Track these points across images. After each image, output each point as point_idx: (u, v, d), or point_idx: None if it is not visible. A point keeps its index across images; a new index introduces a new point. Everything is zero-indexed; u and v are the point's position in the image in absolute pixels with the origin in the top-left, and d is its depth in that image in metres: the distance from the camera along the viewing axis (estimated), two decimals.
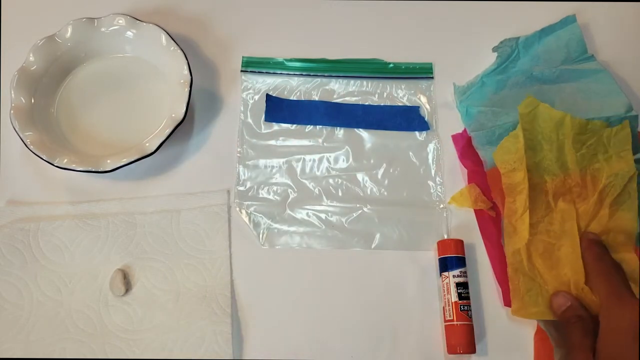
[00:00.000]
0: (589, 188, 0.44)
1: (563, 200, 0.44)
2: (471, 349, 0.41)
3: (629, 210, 0.43)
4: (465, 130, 0.49)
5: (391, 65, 0.51)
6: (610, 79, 0.48)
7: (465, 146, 0.48)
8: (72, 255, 0.45)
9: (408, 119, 0.49)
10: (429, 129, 0.49)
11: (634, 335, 0.36)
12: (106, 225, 0.46)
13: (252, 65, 0.51)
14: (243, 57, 0.52)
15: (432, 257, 0.45)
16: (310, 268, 0.45)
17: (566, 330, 0.40)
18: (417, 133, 0.49)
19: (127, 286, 0.44)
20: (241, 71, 0.51)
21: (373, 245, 0.46)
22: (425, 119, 0.50)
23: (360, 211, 0.47)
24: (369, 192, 0.47)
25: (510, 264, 0.43)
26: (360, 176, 0.48)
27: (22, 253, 0.44)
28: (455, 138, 0.49)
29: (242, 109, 0.50)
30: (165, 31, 0.48)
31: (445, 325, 0.42)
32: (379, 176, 0.48)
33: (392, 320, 0.44)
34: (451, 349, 0.42)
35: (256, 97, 0.50)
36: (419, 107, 0.50)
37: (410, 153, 0.49)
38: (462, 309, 0.42)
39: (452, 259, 0.43)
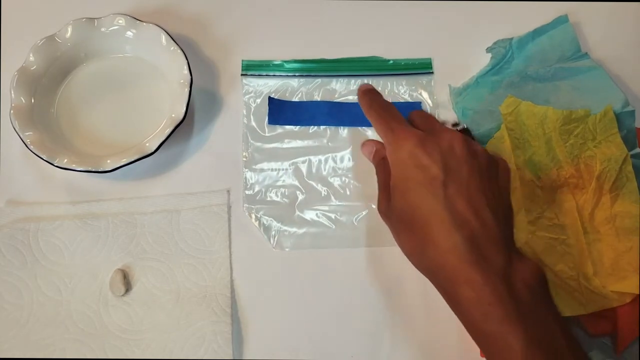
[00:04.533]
0: (585, 177, 0.44)
1: (561, 193, 0.44)
2: None
3: (630, 192, 0.43)
4: None
5: (390, 62, 0.51)
6: (605, 76, 0.48)
7: None
8: (72, 255, 0.45)
9: None
10: None
11: (414, 163, 0.35)
12: (106, 225, 0.46)
13: (252, 69, 0.51)
14: (243, 60, 0.51)
15: None
16: (317, 268, 0.45)
17: (376, 172, 0.42)
18: None
19: (127, 286, 0.44)
20: (241, 75, 0.51)
21: (383, 243, 0.45)
22: None
23: (368, 209, 0.47)
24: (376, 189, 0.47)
25: None
26: (366, 174, 0.48)
27: (22, 253, 0.44)
28: None
29: (244, 112, 0.50)
30: (165, 31, 0.48)
31: None
32: None
33: (398, 319, 0.44)
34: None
35: (258, 101, 0.50)
36: (420, 102, 0.50)
37: None
38: None
39: None
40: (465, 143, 0.36)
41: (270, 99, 0.50)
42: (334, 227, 0.46)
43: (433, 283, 0.35)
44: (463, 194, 0.34)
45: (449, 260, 0.33)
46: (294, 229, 0.46)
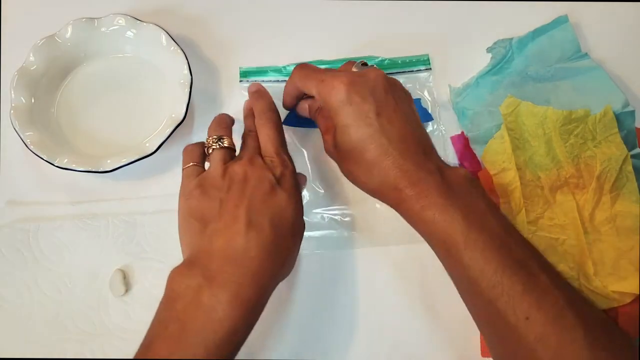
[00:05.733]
0: (586, 177, 0.44)
1: (561, 193, 0.44)
2: None
3: (630, 192, 0.43)
4: (463, 132, 0.49)
5: (387, 61, 0.51)
6: (605, 76, 0.48)
7: (463, 148, 0.48)
8: (72, 255, 0.45)
9: None
10: (432, 119, 0.49)
11: (350, 102, 0.38)
12: (106, 225, 0.46)
13: (250, 75, 0.51)
14: (240, 67, 0.51)
15: None
16: (318, 269, 0.45)
17: (317, 122, 0.44)
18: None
19: (127, 286, 0.44)
20: (240, 81, 0.51)
21: (387, 242, 0.46)
22: (428, 110, 0.49)
23: (370, 209, 0.47)
24: None
25: None
26: None
27: (22, 253, 0.44)
28: (454, 140, 0.49)
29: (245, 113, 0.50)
30: (165, 31, 0.48)
31: None
32: None
33: (398, 319, 0.44)
34: (485, 353, 0.42)
35: None
36: (419, 99, 0.50)
37: None
38: None
39: None
40: (386, 78, 0.40)
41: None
42: (338, 228, 0.46)
43: (383, 200, 0.39)
44: (392, 119, 0.38)
45: (391, 174, 0.37)
46: None
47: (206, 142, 0.42)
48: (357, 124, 0.38)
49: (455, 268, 0.36)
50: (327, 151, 0.42)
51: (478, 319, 0.37)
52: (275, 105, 0.44)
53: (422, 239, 0.45)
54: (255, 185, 0.38)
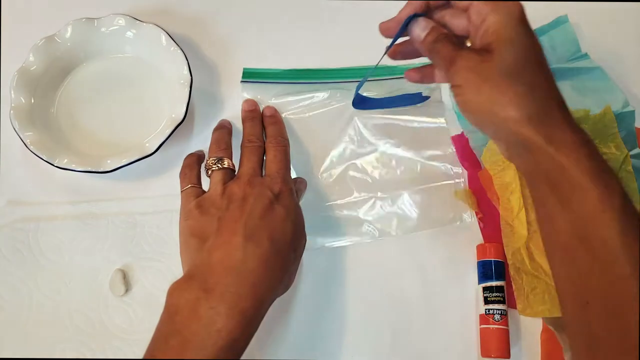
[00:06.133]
0: None
1: None
2: (506, 354, 0.41)
3: (630, 192, 0.43)
4: (463, 132, 0.49)
5: (383, 68, 0.48)
6: (605, 76, 0.48)
7: (463, 148, 0.48)
8: (72, 255, 0.45)
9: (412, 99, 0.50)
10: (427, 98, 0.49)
11: (526, 27, 0.36)
12: (106, 225, 0.46)
13: (253, 76, 0.51)
14: (244, 68, 0.51)
15: (455, 232, 0.46)
16: (316, 268, 0.45)
17: (434, 55, 0.38)
18: (434, 118, 0.50)
19: (127, 286, 0.44)
20: (241, 82, 0.51)
21: (393, 232, 0.46)
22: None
23: (372, 200, 0.47)
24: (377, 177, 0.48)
25: (511, 265, 0.43)
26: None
27: (22, 253, 0.44)
28: (454, 140, 0.49)
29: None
30: (165, 31, 0.48)
31: (480, 329, 0.43)
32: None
33: (398, 319, 0.44)
34: (485, 353, 0.42)
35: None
36: (421, 92, 0.49)
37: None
38: (488, 312, 0.42)
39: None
40: None
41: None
42: (343, 223, 0.46)
43: (528, 132, 0.34)
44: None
45: (553, 103, 0.35)
46: None
47: (206, 164, 0.43)
48: (527, 44, 0.35)
49: (593, 234, 0.32)
50: (467, 70, 0.36)
51: (583, 295, 0.33)
52: (286, 133, 0.46)
53: (429, 225, 0.46)
54: (253, 203, 0.38)
